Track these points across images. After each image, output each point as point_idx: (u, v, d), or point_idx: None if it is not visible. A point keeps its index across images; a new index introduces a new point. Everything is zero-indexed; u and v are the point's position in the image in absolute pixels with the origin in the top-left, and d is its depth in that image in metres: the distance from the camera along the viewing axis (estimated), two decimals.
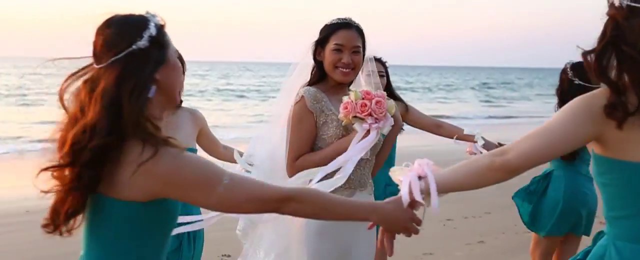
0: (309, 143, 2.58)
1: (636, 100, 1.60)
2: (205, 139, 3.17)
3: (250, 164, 3.36)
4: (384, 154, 2.71)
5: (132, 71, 1.56)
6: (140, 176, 1.54)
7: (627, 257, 1.69)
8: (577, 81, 3.46)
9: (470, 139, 3.72)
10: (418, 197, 1.80)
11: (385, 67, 3.83)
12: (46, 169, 1.59)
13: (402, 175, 1.88)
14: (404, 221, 1.82)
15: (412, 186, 1.82)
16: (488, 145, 3.63)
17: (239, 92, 34.15)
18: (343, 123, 2.54)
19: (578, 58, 1.73)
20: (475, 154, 3.59)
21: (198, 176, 1.59)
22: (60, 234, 1.64)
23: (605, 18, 1.67)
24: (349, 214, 1.79)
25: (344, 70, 2.58)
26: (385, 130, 2.54)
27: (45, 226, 1.62)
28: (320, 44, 2.63)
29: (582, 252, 1.94)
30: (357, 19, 2.66)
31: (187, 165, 1.58)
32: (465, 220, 6.59)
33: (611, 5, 1.68)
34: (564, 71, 3.58)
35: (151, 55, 1.59)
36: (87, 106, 1.55)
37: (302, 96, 2.58)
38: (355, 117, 2.47)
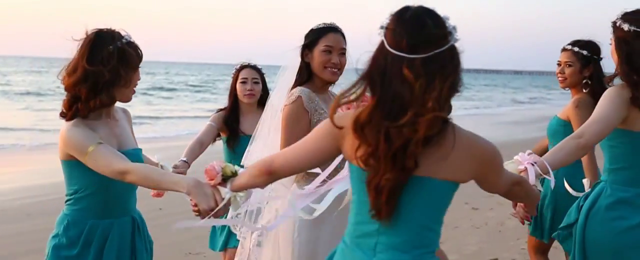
0: None
1: None
2: None
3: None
4: None
5: (453, 65, 1.66)
6: (473, 159, 1.72)
7: (616, 192, 2.57)
8: None
9: None
10: (534, 180, 2.31)
11: (261, 74, 3.96)
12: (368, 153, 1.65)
13: (521, 166, 2.38)
14: None
15: (534, 172, 2.34)
16: None
17: None
18: None
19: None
20: None
21: (501, 159, 1.79)
22: (381, 218, 1.69)
23: None
24: (530, 198, 2.15)
25: (333, 70, 2.79)
26: None
27: (375, 214, 1.69)
28: (308, 47, 2.80)
29: (582, 196, 2.74)
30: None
31: (497, 149, 1.77)
32: None
33: (619, 28, 2.50)
34: None
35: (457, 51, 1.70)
36: (418, 93, 1.61)
37: (299, 96, 2.72)
38: None
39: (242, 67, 3.95)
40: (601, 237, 2.53)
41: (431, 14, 1.69)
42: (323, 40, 2.77)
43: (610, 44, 2.58)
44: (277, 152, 1.96)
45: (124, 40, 2.36)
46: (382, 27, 1.71)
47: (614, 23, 2.52)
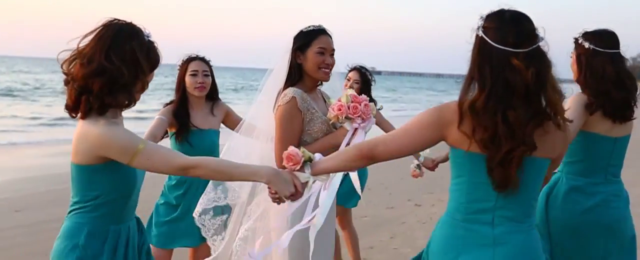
0: (297, 139, 2.85)
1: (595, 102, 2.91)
2: None
3: None
4: None
5: (549, 59, 1.98)
6: (561, 138, 2.05)
7: (570, 181, 3.01)
8: (372, 79, 4.69)
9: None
10: None
11: (210, 67, 3.84)
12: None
13: None
14: None
15: None
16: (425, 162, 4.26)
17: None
18: (331, 121, 2.85)
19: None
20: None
21: None
22: (506, 189, 1.96)
23: None
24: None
25: (326, 70, 2.93)
26: (368, 129, 2.90)
27: (500, 187, 1.96)
28: (300, 49, 2.90)
29: (547, 186, 3.08)
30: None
31: None
32: None
33: (580, 45, 2.93)
34: (361, 73, 4.67)
35: None
36: (532, 81, 1.91)
37: (293, 97, 2.83)
38: (345, 117, 2.79)
39: (191, 59, 3.80)
40: (563, 218, 2.99)
41: (524, 15, 1.99)
42: (316, 42, 2.89)
43: (571, 57, 3.02)
44: (375, 138, 2.13)
45: (146, 39, 2.21)
46: (479, 28, 1.96)
47: (576, 40, 2.98)
